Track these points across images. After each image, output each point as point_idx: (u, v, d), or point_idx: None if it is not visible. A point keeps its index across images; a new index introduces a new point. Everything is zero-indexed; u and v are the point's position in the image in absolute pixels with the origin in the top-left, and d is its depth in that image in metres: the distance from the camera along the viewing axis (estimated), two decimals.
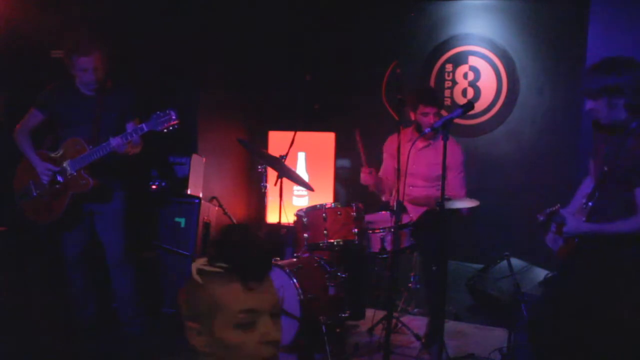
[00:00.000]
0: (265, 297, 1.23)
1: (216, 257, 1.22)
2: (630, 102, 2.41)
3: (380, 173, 4.00)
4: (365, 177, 3.76)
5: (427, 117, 3.69)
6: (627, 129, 2.46)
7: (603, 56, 2.50)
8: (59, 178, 3.44)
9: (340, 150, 5.18)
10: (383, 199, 3.99)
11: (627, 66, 2.43)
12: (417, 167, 3.69)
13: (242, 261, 1.21)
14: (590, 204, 2.56)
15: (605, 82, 2.42)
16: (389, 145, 4.03)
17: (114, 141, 3.30)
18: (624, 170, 2.46)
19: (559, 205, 2.61)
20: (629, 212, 2.45)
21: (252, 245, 1.23)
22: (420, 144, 3.69)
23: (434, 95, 3.83)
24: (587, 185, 2.73)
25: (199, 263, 1.23)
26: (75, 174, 3.41)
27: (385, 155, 4.07)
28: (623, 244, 2.48)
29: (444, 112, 4.96)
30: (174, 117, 3.25)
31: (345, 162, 5.36)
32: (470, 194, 3.67)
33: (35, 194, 3.49)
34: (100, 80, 3.42)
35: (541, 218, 2.67)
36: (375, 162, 4.01)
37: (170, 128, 3.28)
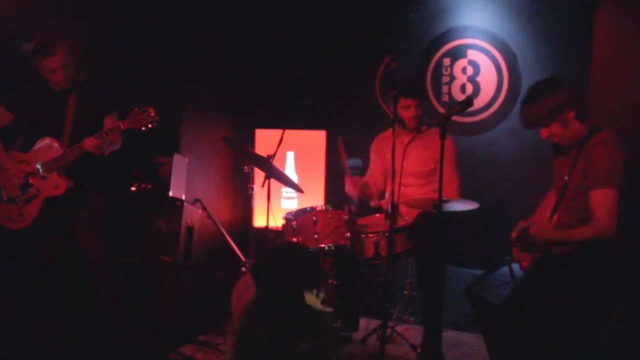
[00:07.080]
0: None
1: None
2: (577, 112, 2.65)
3: (366, 177, 3.95)
4: (349, 187, 3.75)
5: (409, 110, 3.64)
6: (582, 139, 2.68)
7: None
8: (31, 181, 3.34)
9: (332, 150, 5.07)
10: (372, 204, 3.90)
11: (559, 82, 2.70)
12: (406, 165, 3.54)
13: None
14: (554, 217, 2.75)
15: (552, 103, 2.63)
16: (377, 145, 3.97)
17: (88, 141, 3.20)
18: (581, 177, 2.65)
19: (523, 222, 2.87)
20: (589, 218, 2.63)
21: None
22: (405, 139, 3.52)
23: (413, 87, 3.72)
24: (550, 200, 2.89)
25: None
26: (48, 176, 3.31)
27: (373, 157, 4.00)
28: (582, 251, 2.67)
29: (439, 108, 4.92)
30: (152, 114, 3.16)
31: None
32: (469, 196, 3.57)
33: (5, 198, 3.39)
34: (71, 78, 3.32)
35: (514, 235, 2.88)
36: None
37: (150, 125, 3.19)
